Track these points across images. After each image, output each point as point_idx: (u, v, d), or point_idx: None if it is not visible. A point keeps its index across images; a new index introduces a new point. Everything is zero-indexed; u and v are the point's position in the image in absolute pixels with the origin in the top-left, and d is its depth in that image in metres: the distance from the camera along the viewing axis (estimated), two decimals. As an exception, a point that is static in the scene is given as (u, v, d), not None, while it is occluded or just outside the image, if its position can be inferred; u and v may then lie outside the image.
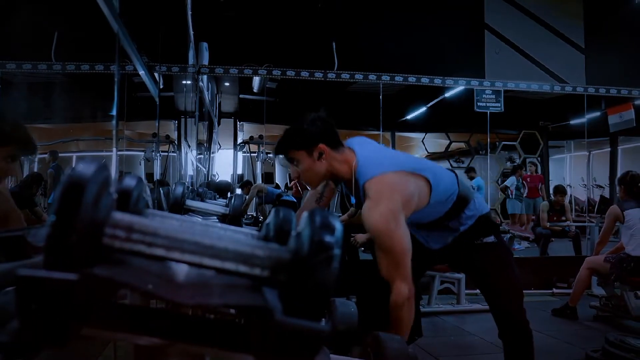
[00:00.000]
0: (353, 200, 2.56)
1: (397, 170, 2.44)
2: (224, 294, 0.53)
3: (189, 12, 5.49)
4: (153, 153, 8.21)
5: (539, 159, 12.71)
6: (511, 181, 11.24)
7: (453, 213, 2.62)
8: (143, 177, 7.70)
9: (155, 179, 6.18)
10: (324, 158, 2.43)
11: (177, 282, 0.54)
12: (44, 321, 0.46)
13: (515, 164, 12.14)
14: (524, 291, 2.71)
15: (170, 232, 0.53)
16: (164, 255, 0.53)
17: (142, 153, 9.27)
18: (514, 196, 11.16)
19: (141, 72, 2.77)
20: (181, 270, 0.56)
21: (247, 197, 9.06)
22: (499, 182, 11.90)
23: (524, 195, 11.22)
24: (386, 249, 2.30)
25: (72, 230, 0.46)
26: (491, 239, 2.65)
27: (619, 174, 6.42)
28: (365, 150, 2.53)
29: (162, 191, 2.07)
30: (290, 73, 7.17)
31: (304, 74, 7.15)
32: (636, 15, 8.57)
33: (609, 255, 5.40)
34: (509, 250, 2.76)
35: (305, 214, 0.56)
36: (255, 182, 10.47)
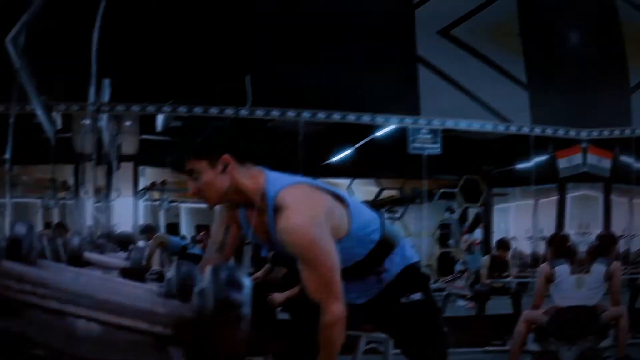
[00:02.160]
0: (264, 252, 2.54)
1: (312, 184, 2.46)
2: (125, 352, 0.56)
3: (94, 47, 5.45)
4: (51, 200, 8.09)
5: (482, 208, 12.93)
6: (478, 234, 11.28)
7: (376, 257, 2.57)
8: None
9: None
10: (228, 171, 2.35)
11: (77, 336, 0.55)
12: None
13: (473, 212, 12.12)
14: (455, 350, 2.74)
15: (63, 284, 0.55)
16: (57, 308, 0.54)
17: (40, 200, 9.10)
18: (476, 251, 11.24)
19: (38, 113, 2.74)
20: (84, 324, 0.58)
21: (148, 250, 8.89)
22: (437, 234, 12.01)
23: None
24: (312, 264, 2.29)
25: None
26: (418, 296, 2.64)
27: (566, 224, 6.57)
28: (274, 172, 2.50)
29: (59, 242, 2.05)
30: (198, 110, 7.17)
31: (213, 110, 7.16)
32: (575, 53, 8.81)
33: (549, 308, 5.62)
34: (437, 309, 2.80)
35: (208, 269, 0.58)
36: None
